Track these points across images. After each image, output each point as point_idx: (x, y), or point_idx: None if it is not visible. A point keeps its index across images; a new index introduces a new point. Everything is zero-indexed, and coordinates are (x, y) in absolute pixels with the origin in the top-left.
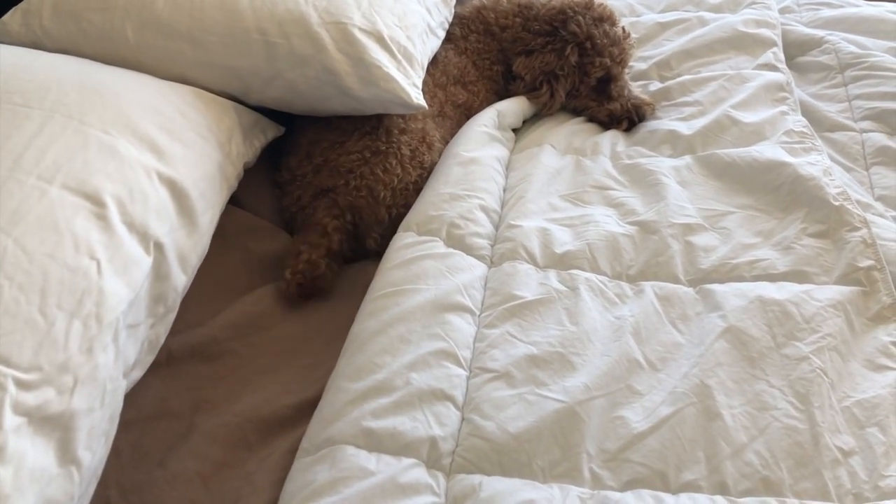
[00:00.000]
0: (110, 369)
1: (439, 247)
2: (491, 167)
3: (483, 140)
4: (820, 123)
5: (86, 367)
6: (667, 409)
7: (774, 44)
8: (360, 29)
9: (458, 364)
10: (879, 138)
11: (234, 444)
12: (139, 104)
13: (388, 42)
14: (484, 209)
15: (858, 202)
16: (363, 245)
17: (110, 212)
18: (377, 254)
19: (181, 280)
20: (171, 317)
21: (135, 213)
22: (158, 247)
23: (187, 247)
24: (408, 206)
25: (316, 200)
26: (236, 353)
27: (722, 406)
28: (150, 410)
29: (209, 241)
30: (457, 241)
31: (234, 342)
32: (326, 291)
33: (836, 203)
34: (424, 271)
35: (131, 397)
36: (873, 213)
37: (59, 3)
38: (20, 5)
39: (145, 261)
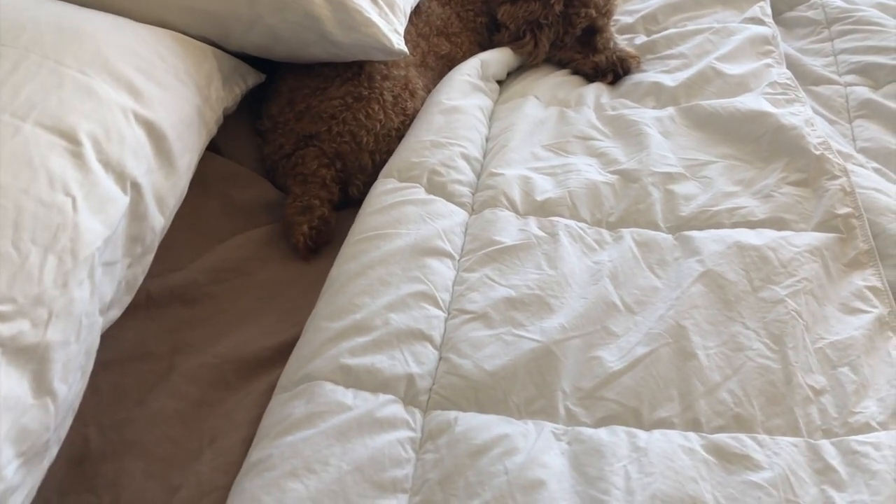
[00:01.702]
0: (86, 304)
1: (420, 193)
2: (473, 116)
3: (466, 89)
4: (805, 77)
5: (60, 300)
6: (642, 349)
7: None
8: None
9: (437, 306)
10: (863, 92)
11: (213, 384)
12: (116, 46)
13: None
14: (465, 157)
15: (840, 153)
16: (346, 193)
17: (86, 150)
18: (359, 202)
19: (159, 221)
20: (149, 258)
21: (111, 152)
22: (135, 186)
23: (165, 188)
24: (390, 153)
25: (299, 148)
26: (216, 296)
27: (697, 346)
28: (130, 351)
29: (187, 185)
30: (438, 188)
31: (214, 286)
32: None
33: (817, 152)
34: (405, 216)
35: (111, 338)
36: (854, 163)
37: None
38: None
39: (122, 199)
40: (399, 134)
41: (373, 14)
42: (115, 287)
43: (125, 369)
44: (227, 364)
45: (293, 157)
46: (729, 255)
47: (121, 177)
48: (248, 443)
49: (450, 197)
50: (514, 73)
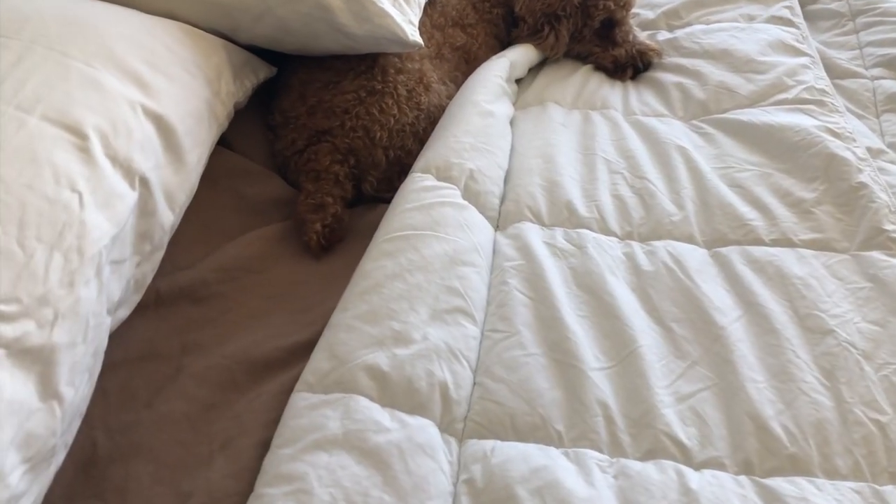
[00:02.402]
0: (93, 304)
1: (457, 196)
2: (504, 125)
3: (498, 92)
4: (831, 71)
5: (67, 300)
6: (688, 387)
7: None
8: None
9: (473, 323)
10: (891, 85)
11: (223, 386)
12: (123, 37)
13: None
14: (499, 167)
15: (870, 149)
16: (359, 189)
17: (92, 144)
18: (372, 198)
19: (168, 218)
20: (159, 256)
21: (118, 146)
22: (144, 182)
23: (174, 184)
24: (404, 149)
25: (312, 143)
26: (226, 295)
27: (745, 379)
28: (138, 351)
29: (197, 181)
30: (472, 196)
31: (223, 285)
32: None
33: (859, 167)
34: (444, 219)
35: (118, 338)
36: (885, 160)
37: None
38: None
39: (130, 195)
40: (413, 129)
41: (386, 4)
42: (123, 286)
43: (133, 370)
44: (237, 365)
45: (305, 152)
46: (770, 284)
47: (129, 172)
48: (260, 448)
49: (482, 208)
50: (530, 71)
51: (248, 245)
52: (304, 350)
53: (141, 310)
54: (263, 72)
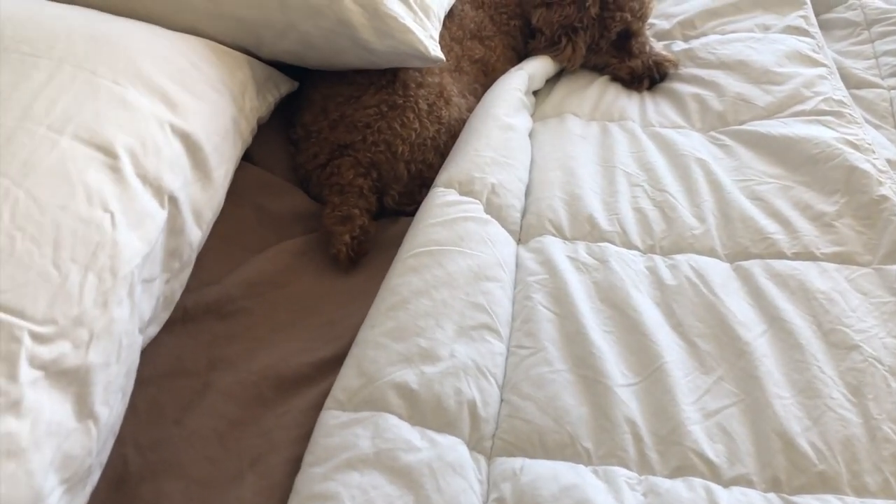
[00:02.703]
0: (126, 324)
1: (479, 211)
2: (525, 138)
3: (518, 106)
4: (847, 80)
5: (101, 320)
6: (715, 403)
7: (803, 3)
8: None
9: (499, 339)
10: None
11: (251, 402)
12: (150, 55)
13: None
14: (521, 180)
15: (889, 161)
16: (380, 203)
17: (123, 163)
18: (394, 211)
19: (196, 235)
20: (187, 273)
21: (148, 165)
22: (173, 200)
23: (202, 201)
24: (426, 163)
25: (334, 157)
26: (251, 310)
27: (772, 396)
28: (166, 368)
29: (224, 197)
30: (494, 210)
31: (249, 300)
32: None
33: (880, 179)
34: (468, 234)
35: (146, 354)
36: None
37: None
38: None
39: (160, 214)
40: (434, 143)
41: (408, 20)
42: (153, 304)
43: (162, 386)
44: (264, 381)
45: (328, 166)
46: (794, 299)
47: (158, 191)
48: (291, 464)
49: (503, 222)
50: (547, 82)
51: (272, 259)
52: (331, 365)
53: (168, 326)
54: (286, 86)
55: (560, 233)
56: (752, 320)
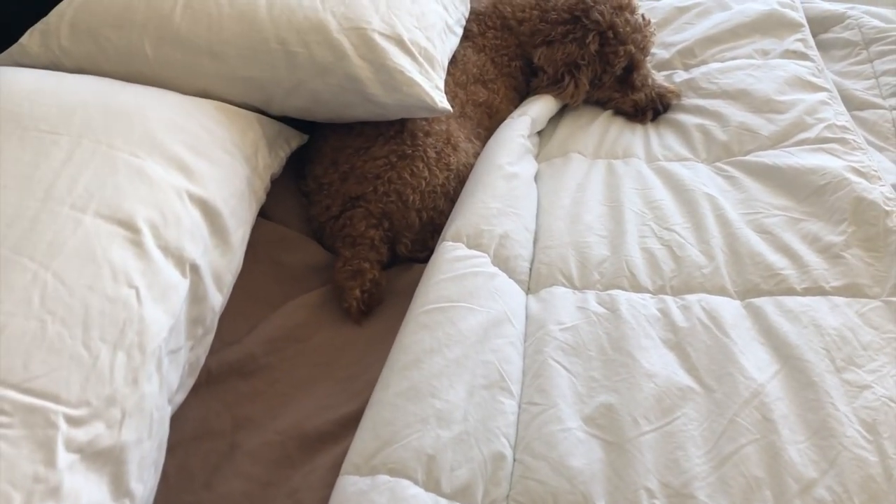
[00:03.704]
0: (156, 398)
1: (487, 265)
2: (531, 185)
3: (521, 152)
4: (848, 102)
5: (132, 398)
6: (729, 446)
7: (801, 25)
8: (380, 34)
9: (511, 397)
10: None
11: (278, 462)
12: (163, 122)
13: (409, 45)
14: (527, 229)
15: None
16: (393, 251)
17: (145, 237)
18: (407, 259)
19: (218, 300)
20: (210, 337)
21: (169, 236)
22: (194, 269)
23: (222, 266)
24: (437, 209)
25: (346, 209)
26: (273, 367)
27: (786, 441)
28: (193, 431)
29: (242, 258)
30: (502, 262)
31: (270, 357)
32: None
33: (887, 209)
34: (477, 289)
35: (173, 420)
36: None
37: (77, 22)
38: (37, 26)
39: (182, 284)
40: (444, 190)
41: (414, 73)
42: (180, 373)
43: (189, 450)
44: (289, 441)
45: (340, 218)
46: (806, 335)
47: (180, 261)
48: None
49: (511, 273)
50: (550, 119)
51: (290, 314)
52: (353, 422)
53: (193, 389)
54: (296, 140)
55: (570, 282)
56: (765, 360)
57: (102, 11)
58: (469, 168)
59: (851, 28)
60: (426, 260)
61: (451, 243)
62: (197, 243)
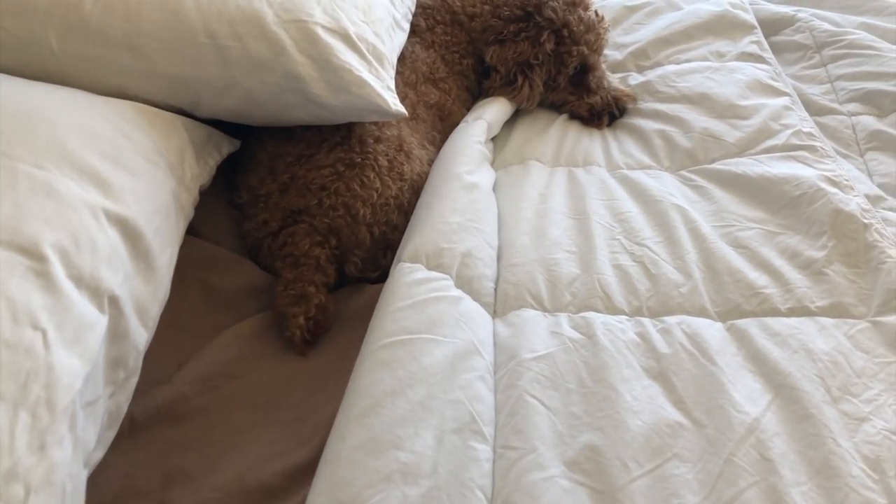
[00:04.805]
0: (69, 465)
1: (450, 287)
2: (490, 195)
3: (479, 159)
4: (807, 107)
5: (39, 469)
6: (729, 490)
7: (753, 27)
8: (324, 27)
9: (485, 441)
10: (870, 121)
11: None
12: (75, 127)
13: (356, 41)
14: (489, 245)
15: (868, 196)
16: (341, 272)
17: (53, 266)
18: (356, 279)
19: (142, 336)
20: (134, 381)
21: (82, 264)
22: (113, 301)
23: (146, 295)
24: (389, 224)
25: (287, 225)
26: (207, 410)
27: (789, 484)
28: (115, 491)
29: (169, 285)
30: (465, 283)
31: (203, 397)
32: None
33: (865, 222)
34: (440, 317)
35: (91, 479)
36: (884, 207)
37: None
38: None
39: (100, 321)
40: (398, 202)
41: (364, 72)
42: (98, 426)
43: None
44: (230, 498)
45: (280, 235)
46: (798, 360)
47: (96, 293)
48: None
49: (476, 295)
50: (504, 125)
51: (224, 347)
52: (304, 472)
53: (115, 441)
54: (227, 146)
55: (540, 304)
56: (756, 390)
57: None
58: (424, 177)
59: (802, 31)
60: (378, 280)
61: (408, 264)
62: (116, 271)
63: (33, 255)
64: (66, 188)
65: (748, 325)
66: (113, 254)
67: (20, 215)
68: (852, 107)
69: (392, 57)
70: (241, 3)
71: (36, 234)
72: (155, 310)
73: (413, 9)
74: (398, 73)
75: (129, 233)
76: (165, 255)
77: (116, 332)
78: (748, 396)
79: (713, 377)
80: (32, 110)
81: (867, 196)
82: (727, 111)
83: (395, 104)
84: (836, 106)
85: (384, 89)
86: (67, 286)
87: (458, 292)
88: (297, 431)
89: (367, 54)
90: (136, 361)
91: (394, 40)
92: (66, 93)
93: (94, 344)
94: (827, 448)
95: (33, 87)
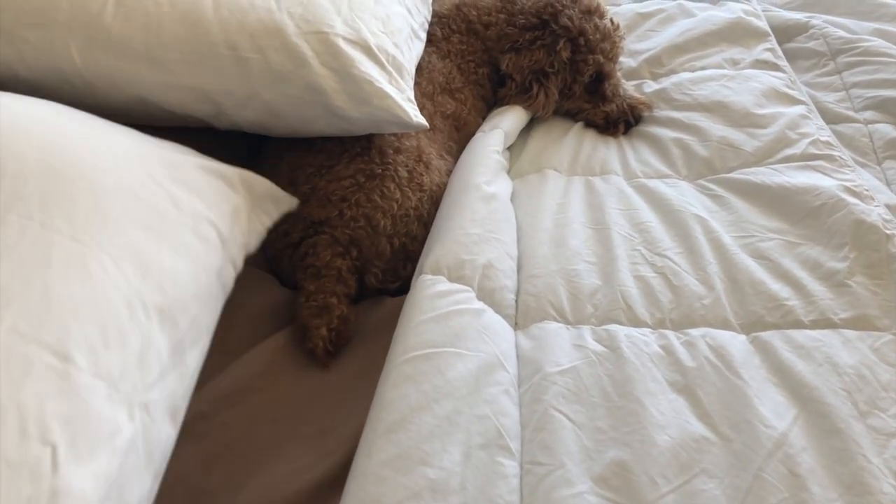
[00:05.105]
0: None
1: (473, 300)
2: (509, 205)
3: (497, 169)
4: (823, 115)
5: None
6: None
7: (767, 35)
8: (345, 38)
9: (512, 457)
10: (887, 129)
11: None
12: (120, 192)
13: (376, 52)
14: (510, 256)
15: (888, 206)
16: (361, 283)
17: (77, 366)
18: (376, 291)
19: (171, 438)
20: (159, 479)
21: (111, 364)
22: (144, 407)
23: (178, 394)
24: (409, 235)
25: (308, 236)
26: (229, 426)
27: (819, 500)
28: None
29: (196, 380)
30: (487, 295)
31: (224, 413)
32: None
33: (888, 232)
34: (464, 331)
35: None
36: None
37: None
38: None
39: (126, 430)
40: (417, 213)
41: (384, 83)
42: None
43: None
44: None
45: (301, 246)
46: (823, 374)
47: (125, 397)
48: None
49: (498, 307)
50: (520, 132)
51: (246, 363)
52: (331, 489)
53: None
54: (285, 204)
55: (562, 317)
56: (782, 404)
57: (17, 7)
58: (442, 188)
59: (816, 38)
60: (397, 291)
61: (430, 276)
62: (149, 371)
63: (55, 351)
64: (100, 268)
65: (771, 337)
66: (146, 349)
67: (48, 302)
68: (868, 115)
69: (411, 67)
70: (262, 15)
71: (63, 328)
72: (184, 407)
73: (429, 18)
74: (416, 83)
75: (165, 323)
76: (198, 348)
77: (147, 440)
78: (774, 410)
79: (739, 391)
80: (76, 168)
81: (887, 206)
82: (744, 120)
83: (415, 115)
84: (851, 114)
85: (405, 101)
86: (90, 390)
87: (479, 304)
88: (321, 445)
89: (387, 65)
90: (160, 465)
91: (412, 51)
92: (114, 142)
93: (114, 458)
94: (857, 464)
95: (79, 133)
